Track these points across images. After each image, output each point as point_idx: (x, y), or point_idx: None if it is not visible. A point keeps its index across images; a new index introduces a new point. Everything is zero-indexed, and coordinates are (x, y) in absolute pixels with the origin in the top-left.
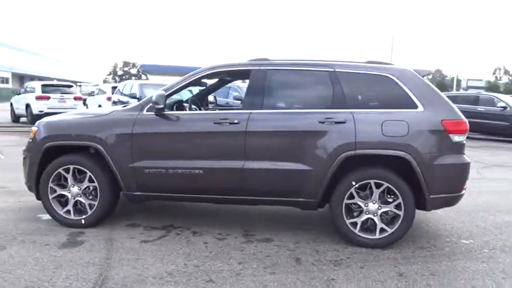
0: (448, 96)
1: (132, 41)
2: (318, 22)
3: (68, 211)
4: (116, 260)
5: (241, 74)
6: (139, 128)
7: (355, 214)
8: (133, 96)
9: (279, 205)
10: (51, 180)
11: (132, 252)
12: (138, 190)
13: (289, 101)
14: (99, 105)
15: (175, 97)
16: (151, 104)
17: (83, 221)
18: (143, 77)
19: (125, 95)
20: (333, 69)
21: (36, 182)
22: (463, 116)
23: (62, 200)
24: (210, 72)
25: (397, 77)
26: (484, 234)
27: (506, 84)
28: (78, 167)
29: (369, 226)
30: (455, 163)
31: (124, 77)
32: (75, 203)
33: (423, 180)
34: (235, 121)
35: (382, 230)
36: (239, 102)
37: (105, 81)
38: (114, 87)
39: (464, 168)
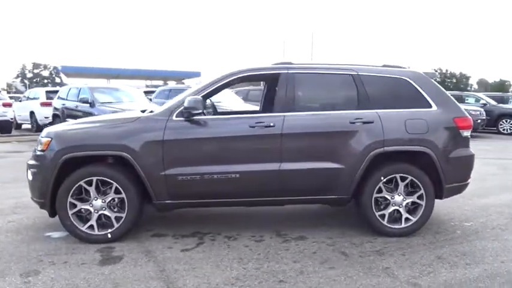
0: None
1: (42, 41)
2: (237, 24)
3: (91, 226)
4: (172, 271)
5: (269, 78)
6: (171, 134)
7: (382, 207)
8: (84, 101)
9: (312, 203)
10: (70, 194)
11: (182, 262)
12: (170, 198)
13: (318, 103)
14: (32, 112)
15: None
16: (181, 109)
17: (109, 235)
18: (57, 79)
19: (71, 100)
20: (356, 73)
21: (52, 197)
22: (467, 114)
23: (83, 215)
24: (241, 75)
25: (412, 79)
26: (477, 217)
27: None
28: (103, 178)
29: (395, 217)
30: (465, 155)
31: (35, 80)
32: (99, 217)
33: (441, 171)
34: (271, 124)
35: (407, 220)
36: None
37: (10, 85)
38: (49, 92)
39: (471, 159)
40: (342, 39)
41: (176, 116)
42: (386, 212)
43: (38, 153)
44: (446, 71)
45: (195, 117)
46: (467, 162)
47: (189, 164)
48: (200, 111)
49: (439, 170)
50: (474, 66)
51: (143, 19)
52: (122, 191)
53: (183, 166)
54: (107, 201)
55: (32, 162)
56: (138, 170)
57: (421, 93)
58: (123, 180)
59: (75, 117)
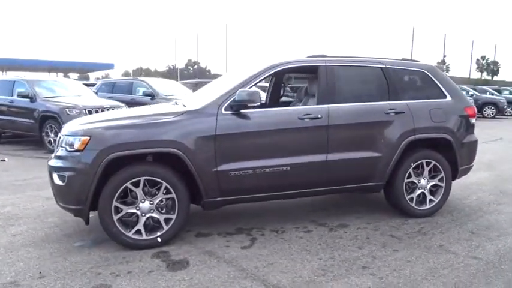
0: None
1: None
2: (150, 16)
3: (138, 231)
4: (252, 269)
5: (309, 70)
6: (222, 128)
7: (410, 190)
8: (23, 95)
9: (352, 191)
10: (116, 197)
11: (255, 259)
12: (220, 195)
13: (354, 94)
14: None
15: None
16: (229, 102)
17: (159, 239)
18: None
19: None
20: (384, 66)
21: (91, 202)
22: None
23: (128, 220)
24: (284, 67)
25: (429, 71)
26: (469, 195)
27: None
28: (152, 178)
29: (421, 199)
30: (473, 140)
31: None
32: (146, 221)
33: (458, 156)
34: (319, 116)
35: (430, 201)
36: (149, 98)
37: None
38: None
39: (476, 144)
40: (257, 31)
41: (225, 110)
42: (414, 195)
43: (72, 153)
44: None
45: (242, 111)
46: (474, 147)
47: (241, 158)
48: (258, 103)
49: (456, 154)
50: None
51: (44, 8)
52: (172, 191)
53: (235, 161)
54: (155, 203)
55: (62, 164)
56: (190, 167)
57: (437, 84)
58: (174, 179)
59: (8, 114)
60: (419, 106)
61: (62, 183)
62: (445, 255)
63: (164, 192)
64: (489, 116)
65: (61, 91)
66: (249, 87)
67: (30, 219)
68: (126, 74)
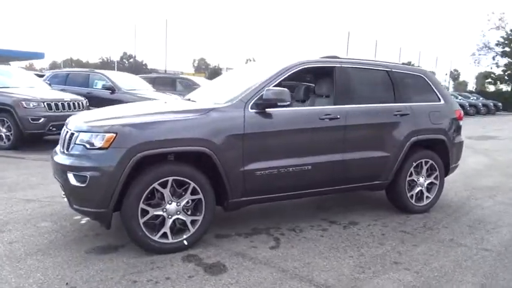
0: None
1: None
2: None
3: (164, 234)
4: (292, 270)
5: (326, 71)
6: (250, 127)
7: (410, 188)
8: None
9: (362, 190)
10: (143, 199)
11: (290, 260)
12: (244, 195)
13: (366, 96)
14: None
15: None
16: (255, 100)
17: (185, 242)
18: None
19: None
20: (390, 69)
21: (116, 205)
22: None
23: (153, 223)
24: (305, 67)
25: (425, 76)
26: (445, 192)
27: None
28: (181, 178)
29: (419, 196)
30: (461, 141)
31: None
32: (173, 223)
33: (450, 155)
34: (338, 116)
35: (427, 198)
36: (109, 92)
37: None
38: None
39: (463, 144)
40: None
41: (251, 108)
42: (414, 192)
43: (94, 152)
44: None
45: (268, 110)
46: (461, 147)
47: (267, 158)
48: (288, 102)
49: (449, 154)
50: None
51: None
52: (200, 192)
53: (261, 161)
54: (182, 204)
55: (81, 163)
56: (219, 167)
57: (433, 88)
58: (202, 179)
59: None
60: (420, 108)
61: (82, 184)
62: (459, 248)
63: (191, 193)
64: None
65: (13, 82)
66: (273, 86)
67: (19, 224)
68: (55, 64)
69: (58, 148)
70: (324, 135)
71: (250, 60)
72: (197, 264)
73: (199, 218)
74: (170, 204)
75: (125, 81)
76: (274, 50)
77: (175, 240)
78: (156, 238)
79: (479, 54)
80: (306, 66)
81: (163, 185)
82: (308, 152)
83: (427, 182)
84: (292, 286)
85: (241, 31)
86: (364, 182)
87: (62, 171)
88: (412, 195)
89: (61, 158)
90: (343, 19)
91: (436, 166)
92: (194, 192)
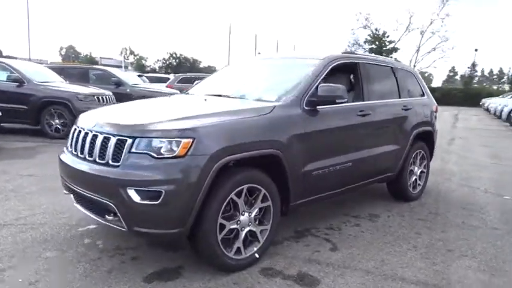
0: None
1: None
2: None
3: (238, 249)
4: (376, 271)
5: (351, 66)
6: (308, 125)
7: (409, 178)
8: None
9: (377, 183)
10: (221, 212)
11: (363, 261)
12: (301, 198)
13: (382, 91)
14: None
15: None
16: (309, 97)
17: (256, 255)
18: None
19: None
20: (393, 66)
21: (196, 221)
22: None
23: (227, 238)
24: (338, 62)
25: (413, 73)
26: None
27: (133, 63)
28: (254, 185)
29: (414, 184)
30: (437, 130)
31: None
32: (245, 236)
33: (433, 144)
34: (370, 112)
35: (419, 185)
36: (15, 84)
37: None
38: None
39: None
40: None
41: (306, 105)
42: (411, 181)
43: (167, 161)
44: (181, 55)
45: (319, 107)
46: (437, 136)
47: (320, 157)
48: (346, 99)
49: (434, 144)
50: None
51: None
52: (269, 199)
53: (318, 160)
54: (253, 214)
55: (152, 176)
56: (286, 169)
57: (420, 84)
58: (271, 185)
59: None
60: (417, 103)
61: (153, 202)
62: (478, 231)
63: (262, 200)
64: None
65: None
66: (318, 82)
67: (17, 257)
68: None
69: (72, 153)
70: (360, 131)
71: (126, 50)
72: (283, 278)
73: (268, 227)
74: (243, 215)
75: (35, 71)
76: (154, 40)
77: (248, 255)
78: (231, 255)
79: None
80: (338, 62)
81: (238, 194)
82: (349, 149)
83: (419, 170)
84: (393, 287)
85: (115, 20)
86: (381, 175)
87: (111, 186)
88: (410, 184)
89: (104, 170)
90: (224, 12)
91: (425, 155)
92: (263, 199)
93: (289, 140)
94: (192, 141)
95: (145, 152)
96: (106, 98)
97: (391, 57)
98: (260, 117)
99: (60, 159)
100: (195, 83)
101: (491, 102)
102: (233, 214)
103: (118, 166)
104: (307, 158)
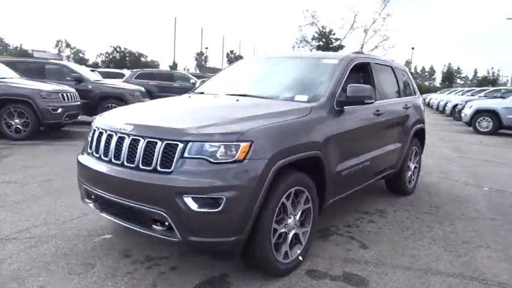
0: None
1: None
2: None
3: (286, 253)
4: (418, 267)
5: (364, 66)
6: (340, 126)
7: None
8: None
9: (382, 179)
10: (275, 216)
11: (404, 258)
12: (332, 197)
13: (387, 91)
14: None
15: None
16: (337, 98)
17: (300, 258)
18: None
19: None
20: (392, 66)
21: (254, 228)
22: None
23: (277, 243)
24: (356, 62)
25: (407, 71)
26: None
27: (69, 57)
28: (300, 188)
29: (409, 180)
30: None
31: None
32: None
33: (424, 140)
34: (383, 111)
35: (413, 180)
36: None
37: None
38: None
39: None
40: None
41: (336, 106)
42: (407, 176)
43: (226, 166)
44: (125, 49)
45: (346, 107)
46: None
47: (348, 157)
48: (373, 100)
49: (424, 139)
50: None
51: None
52: (310, 200)
53: (346, 160)
54: (297, 216)
55: (210, 182)
56: (325, 170)
57: (411, 83)
58: (313, 186)
59: None
60: (413, 101)
61: (212, 209)
62: (477, 221)
63: (304, 202)
64: None
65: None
66: (344, 82)
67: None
68: None
69: (101, 158)
70: (376, 130)
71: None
72: (332, 279)
73: (308, 228)
74: (290, 218)
75: None
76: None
77: (294, 258)
78: (280, 259)
79: (299, 47)
80: (356, 62)
81: (287, 197)
82: (368, 148)
83: (413, 166)
84: (435, 281)
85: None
86: (389, 171)
87: (163, 194)
88: (407, 179)
89: (153, 177)
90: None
91: (418, 151)
92: (305, 201)
93: (326, 141)
94: (250, 145)
95: (201, 157)
96: (71, 95)
97: None
98: (303, 118)
99: (83, 165)
100: (198, 82)
101: (432, 98)
102: (282, 218)
103: (170, 172)
104: (339, 158)
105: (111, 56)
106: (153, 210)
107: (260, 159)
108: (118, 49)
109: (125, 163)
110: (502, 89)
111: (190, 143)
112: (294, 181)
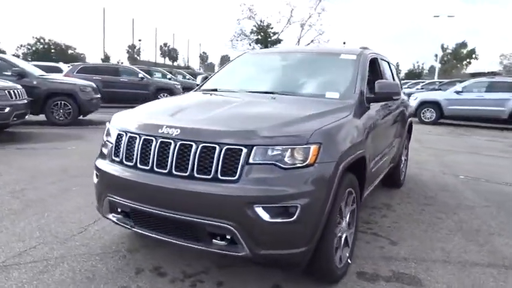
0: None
1: None
2: None
3: (339, 257)
4: (465, 261)
5: (375, 62)
6: (372, 123)
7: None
8: None
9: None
10: (337, 222)
11: (438, 252)
12: (364, 195)
13: None
14: None
15: None
16: (367, 95)
17: (349, 261)
18: None
19: None
20: (388, 61)
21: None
22: None
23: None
24: (369, 59)
25: (394, 66)
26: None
27: None
28: (351, 189)
29: (401, 172)
30: None
31: None
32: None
33: (411, 134)
34: (392, 106)
35: (403, 172)
36: None
37: None
38: None
39: None
40: None
41: (367, 103)
42: (401, 169)
43: (297, 171)
44: (50, 40)
45: (371, 104)
46: None
47: (376, 153)
48: (399, 96)
49: (411, 132)
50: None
51: None
52: (355, 202)
53: (375, 156)
54: (347, 219)
55: (283, 190)
56: (367, 169)
57: (397, 77)
58: (357, 187)
59: None
60: (404, 96)
61: (287, 219)
62: (475, 209)
63: (351, 203)
64: None
65: None
66: (367, 78)
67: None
68: None
69: (136, 167)
70: (391, 125)
71: None
72: (386, 281)
73: (353, 229)
74: (343, 221)
75: None
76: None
77: (344, 262)
78: (337, 264)
79: (237, 40)
80: (370, 58)
81: (344, 200)
82: (385, 144)
83: (404, 158)
84: (478, 273)
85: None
86: (390, 165)
87: (230, 205)
88: (401, 171)
89: (216, 187)
90: None
91: (407, 144)
92: (352, 202)
93: (366, 139)
94: (319, 147)
95: (269, 162)
96: (18, 92)
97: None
98: (349, 117)
99: (109, 174)
100: (198, 77)
101: None
102: (339, 222)
103: (235, 181)
104: (371, 156)
105: (34, 48)
106: (215, 223)
107: (329, 162)
108: (42, 40)
109: (174, 171)
110: (437, 81)
111: (255, 147)
112: (349, 183)
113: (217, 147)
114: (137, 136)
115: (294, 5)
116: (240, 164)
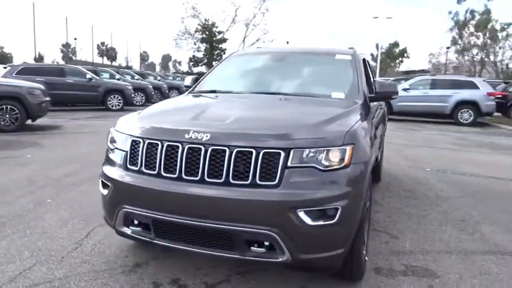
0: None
1: None
2: None
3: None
4: (483, 251)
5: (365, 63)
6: (374, 122)
7: None
8: None
9: None
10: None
11: (453, 244)
12: None
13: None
14: None
15: None
16: (367, 94)
17: (366, 258)
18: None
19: None
20: (368, 60)
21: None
22: None
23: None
24: (362, 57)
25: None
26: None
27: None
28: (370, 187)
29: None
30: None
31: None
32: None
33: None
34: (383, 105)
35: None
36: None
37: None
38: None
39: None
40: None
41: (370, 101)
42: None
43: (335, 173)
44: None
45: (371, 103)
46: None
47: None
48: (397, 96)
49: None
50: None
51: None
52: (370, 199)
53: (376, 155)
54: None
55: (324, 193)
56: (378, 167)
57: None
58: (372, 184)
59: None
60: None
61: (328, 222)
62: (452, 200)
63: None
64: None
65: None
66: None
67: None
68: None
69: (161, 175)
70: (380, 124)
71: None
72: (403, 275)
73: (366, 226)
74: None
75: None
76: None
77: (363, 259)
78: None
79: (181, 39)
80: (362, 58)
81: None
82: (378, 142)
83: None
84: (480, 260)
85: None
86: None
87: (272, 211)
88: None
89: (256, 193)
90: None
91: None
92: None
93: (375, 138)
94: (353, 148)
95: (308, 165)
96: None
97: (224, 48)
98: (364, 117)
99: (129, 184)
100: (187, 78)
101: None
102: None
103: (276, 185)
104: (375, 154)
105: None
106: (254, 230)
107: (361, 162)
108: None
109: (206, 178)
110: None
111: (293, 150)
112: (370, 181)
113: (254, 152)
114: (159, 143)
115: (238, 5)
116: (279, 168)
